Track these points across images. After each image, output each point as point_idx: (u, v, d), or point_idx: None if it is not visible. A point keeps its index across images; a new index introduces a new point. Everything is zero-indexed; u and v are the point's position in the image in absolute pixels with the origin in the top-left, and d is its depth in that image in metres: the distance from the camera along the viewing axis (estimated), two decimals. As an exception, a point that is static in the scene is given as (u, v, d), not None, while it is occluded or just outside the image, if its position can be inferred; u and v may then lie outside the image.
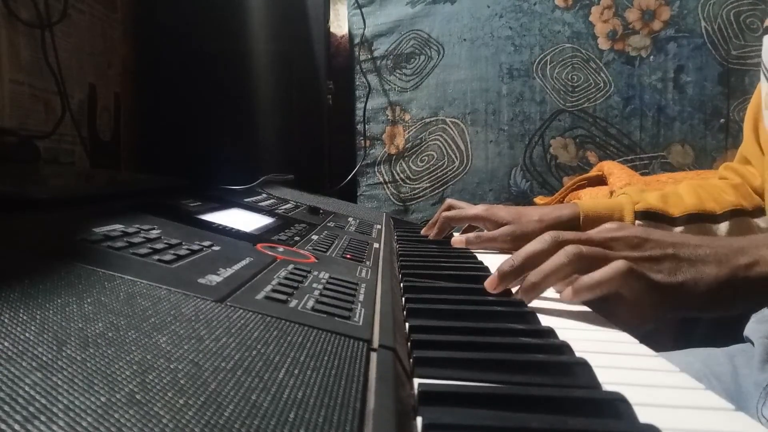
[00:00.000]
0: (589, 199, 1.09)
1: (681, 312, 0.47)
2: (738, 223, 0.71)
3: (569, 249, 0.45)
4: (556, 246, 0.46)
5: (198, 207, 0.59)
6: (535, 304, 0.46)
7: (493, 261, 0.68)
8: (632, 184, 1.10)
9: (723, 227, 0.71)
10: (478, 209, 0.81)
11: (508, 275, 0.47)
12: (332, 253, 0.55)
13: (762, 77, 0.73)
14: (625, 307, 0.44)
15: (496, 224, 0.77)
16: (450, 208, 0.86)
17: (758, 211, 0.72)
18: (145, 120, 1.24)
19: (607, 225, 0.49)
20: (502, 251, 0.78)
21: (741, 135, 0.81)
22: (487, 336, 0.36)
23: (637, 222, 0.72)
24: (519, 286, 0.47)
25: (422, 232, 0.89)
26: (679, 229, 0.71)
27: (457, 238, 0.78)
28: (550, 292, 0.50)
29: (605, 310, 0.45)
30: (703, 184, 0.78)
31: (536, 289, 0.46)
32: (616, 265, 0.43)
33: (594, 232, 0.48)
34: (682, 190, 0.76)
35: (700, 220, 0.71)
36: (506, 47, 1.41)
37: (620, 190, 0.87)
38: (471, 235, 0.77)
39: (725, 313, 0.49)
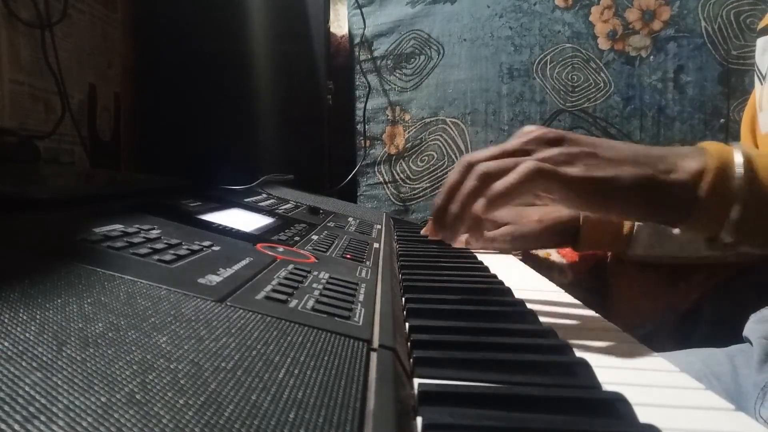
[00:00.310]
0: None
1: (601, 211, 0.45)
2: None
3: (477, 169, 0.43)
4: (466, 171, 0.44)
5: (198, 207, 0.59)
6: (535, 303, 0.46)
7: (493, 261, 0.68)
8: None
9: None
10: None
11: (436, 216, 0.45)
12: (332, 253, 0.55)
13: (756, 80, 0.72)
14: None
15: (496, 224, 0.78)
16: None
17: None
18: (145, 120, 1.24)
19: (525, 128, 0.47)
20: (502, 251, 0.78)
21: (740, 138, 0.81)
22: (487, 336, 0.36)
23: (636, 222, 0.72)
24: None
25: (422, 232, 0.89)
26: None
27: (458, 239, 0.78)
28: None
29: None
30: None
31: (461, 221, 0.44)
32: (524, 166, 0.42)
33: (510, 141, 0.46)
34: None
35: None
36: (506, 47, 1.41)
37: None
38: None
39: (639, 218, 0.48)
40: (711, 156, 0.44)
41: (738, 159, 0.43)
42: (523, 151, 0.44)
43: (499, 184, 0.42)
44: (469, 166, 0.44)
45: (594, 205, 0.44)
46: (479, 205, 0.42)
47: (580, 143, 0.44)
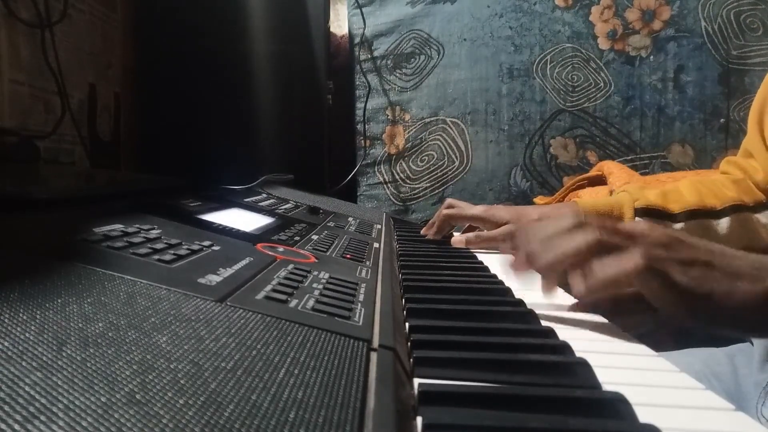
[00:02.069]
0: (589, 198, 1.09)
1: (706, 326, 0.42)
2: (739, 219, 0.71)
3: (590, 234, 0.41)
4: (576, 228, 0.43)
5: (198, 207, 0.59)
6: (535, 302, 0.46)
7: (494, 261, 0.68)
8: (632, 183, 1.09)
9: (723, 222, 0.71)
10: (478, 210, 0.81)
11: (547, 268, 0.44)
12: (332, 253, 0.55)
13: None
14: (642, 315, 0.42)
15: (496, 225, 0.77)
16: (450, 207, 0.86)
17: (759, 206, 0.72)
18: (145, 120, 1.24)
19: (638, 222, 0.45)
20: (502, 251, 0.78)
21: (741, 135, 0.81)
22: (487, 336, 0.36)
23: (636, 219, 0.72)
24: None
25: (422, 231, 0.89)
26: (679, 225, 0.71)
27: (457, 238, 0.78)
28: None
29: (611, 311, 0.45)
30: (703, 180, 0.78)
31: (544, 262, 0.42)
32: (635, 257, 0.39)
33: (621, 224, 0.44)
34: (682, 186, 0.76)
35: (700, 216, 0.71)
36: (506, 47, 1.41)
37: (620, 188, 0.87)
38: (470, 234, 0.77)
39: (755, 336, 0.45)
40: None
41: None
42: (633, 240, 0.42)
43: (609, 268, 0.40)
44: (578, 225, 0.43)
45: (702, 317, 0.41)
46: (579, 289, 0.41)
47: (696, 250, 0.41)
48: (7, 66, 0.81)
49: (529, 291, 0.51)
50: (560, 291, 0.55)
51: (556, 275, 0.44)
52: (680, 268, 0.40)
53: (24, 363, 0.19)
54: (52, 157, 0.92)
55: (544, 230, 0.44)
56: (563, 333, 0.38)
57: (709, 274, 0.40)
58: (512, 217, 0.77)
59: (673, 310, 0.40)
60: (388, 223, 0.95)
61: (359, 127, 1.47)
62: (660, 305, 0.41)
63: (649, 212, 0.72)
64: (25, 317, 0.22)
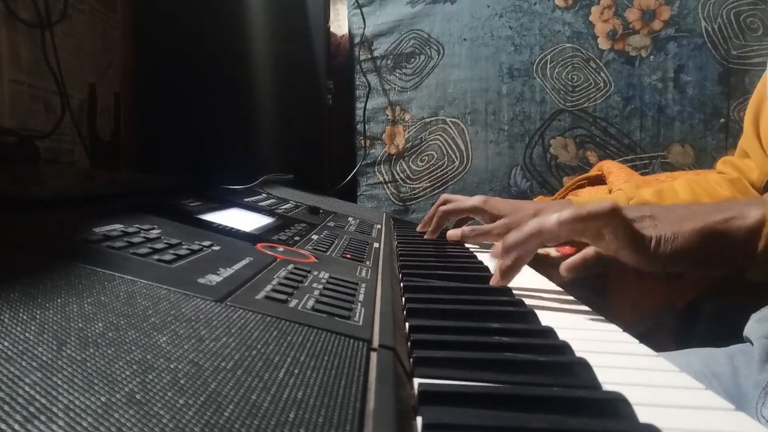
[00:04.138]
0: (587, 196, 1.09)
1: (658, 265, 0.49)
2: None
3: (563, 216, 0.48)
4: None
5: (198, 207, 0.59)
6: (535, 304, 0.46)
7: (493, 261, 0.68)
8: (630, 182, 1.09)
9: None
10: (476, 200, 0.80)
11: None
12: (332, 253, 0.55)
13: None
14: (616, 292, 0.46)
15: (493, 216, 0.77)
16: (446, 202, 0.85)
17: None
18: (145, 120, 1.24)
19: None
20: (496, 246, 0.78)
21: (741, 135, 0.81)
22: (487, 336, 0.36)
23: None
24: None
25: (418, 228, 0.89)
26: None
27: (453, 232, 0.77)
28: (551, 295, 0.50)
29: (601, 305, 0.46)
30: (698, 179, 0.78)
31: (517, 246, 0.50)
32: (604, 203, 0.46)
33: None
34: (677, 185, 0.76)
35: None
36: (506, 47, 1.41)
37: (616, 186, 0.87)
38: (466, 228, 0.76)
39: (700, 269, 0.52)
40: None
41: None
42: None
43: (582, 209, 0.48)
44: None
45: (659, 257, 0.47)
46: (553, 220, 0.49)
47: (639, 209, 0.50)
48: (7, 66, 0.81)
49: (529, 290, 0.51)
50: (559, 289, 0.55)
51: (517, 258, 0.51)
52: (632, 221, 0.48)
53: (24, 363, 0.19)
54: (52, 157, 0.92)
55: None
56: (563, 333, 0.38)
57: (655, 223, 0.48)
58: (509, 210, 0.76)
59: (636, 255, 0.47)
60: (388, 223, 0.95)
61: (359, 127, 1.47)
62: (617, 252, 0.48)
63: None
64: (25, 317, 0.22)
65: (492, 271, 0.61)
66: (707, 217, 0.47)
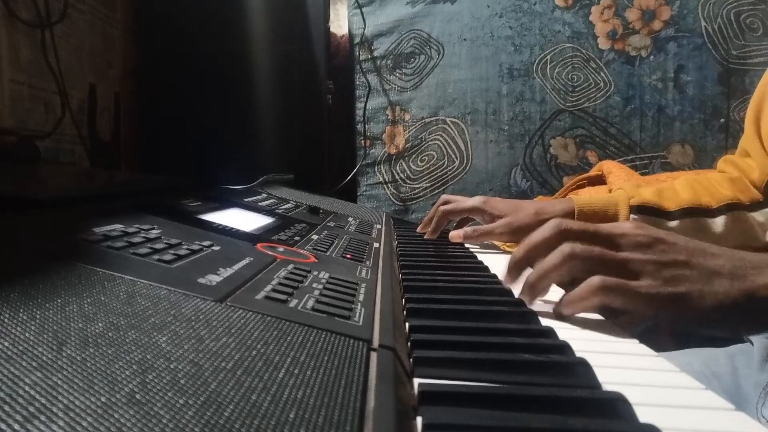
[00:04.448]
0: (586, 195, 1.09)
1: (681, 325, 0.44)
2: (734, 217, 0.71)
3: (565, 248, 0.43)
4: (558, 235, 0.45)
5: (198, 207, 0.59)
6: (535, 304, 0.46)
7: (493, 261, 0.68)
8: (629, 181, 1.09)
9: (719, 221, 0.71)
10: (476, 201, 0.80)
11: (513, 268, 0.47)
12: (332, 253, 0.55)
13: None
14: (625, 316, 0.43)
15: (493, 216, 0.77)
16: (446, 203, 0.85)
17: (755, 205, 0.72)
18: (145, 120, 1.24)
19: (625, 222, 0.47)
20: (502, 243, 0.78)
21: (741, 135, 0.81)
22: (487, 336, 0.36)
23: (632, 217, 0.72)
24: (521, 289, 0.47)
25: (419, 229, 0.89)
26: (674, 223, 0.71)
27: (455, 233, 0.77)
28: (551, 295, 0.50)
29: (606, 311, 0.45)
30: (699, 178, 0.78)
31: (534, 290, 0.45)
32: (590, 282, 0.41)
33: (604, 225, 0.45)
34: (677, 184, 0.76)
35: (695, 214, 0.71)
36: (506, 47, 1.41)
37: (617, 185, 0.87)
38: (468, 229, 0.76)
39: (728, 334, 0.46)
40: None
41: None
42: (612, 243, 0.43)
43: (574, 293, 0.42)
44: (560, 233, 0.45)
45: (676, 316, 0.41)
46: (557, 311, 0.44)
47: (675, 249, 0.42)
48: (7, 66, 0.81)
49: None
50: (560, 291, 0.55)
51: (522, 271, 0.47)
52: (654, 270, 0.41)
53: (24, 363, 0.19)
54: (52, 157, 0.92)
55: (529, 241, 0.47)
56: (563, 333, 0.38)
57: (685, 273, 0.41)
58: (509, 210, 0.77)
59: (648, 314, 0.41)
60: (388, 223, 0.95)
61: (359, 127, 1.47)
62: (636, 312, 0.41)
63: (644, 210, 0.72)
64: (25, 317, 0.22)
65: (492, 272, 0.61)
66: (744, 277, 0.40)
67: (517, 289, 0.48)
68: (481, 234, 0.75)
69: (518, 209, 0.76)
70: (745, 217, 0.71)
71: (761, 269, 0.41)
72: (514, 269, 0.47)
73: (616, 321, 0.44)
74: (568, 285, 0.52)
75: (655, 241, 0.43)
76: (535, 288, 0.45)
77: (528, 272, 0.47)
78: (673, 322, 0.42)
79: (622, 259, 0.42)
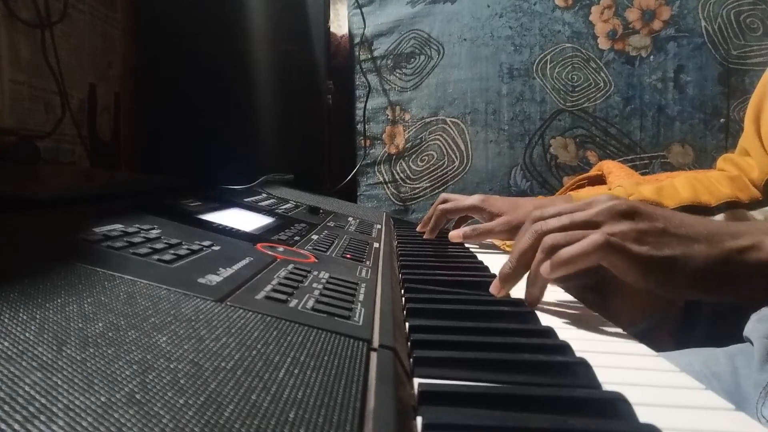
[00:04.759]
0: (586, 194, 1.09)
1: (667, 291, 0.44)
2: (733, 215, 0.71)
3: (546, 241, 0.44)
4: (539, 237, 0.45)
5: (198, 207, 0.59)
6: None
7: (493, 261, 0.68)
8: (629, 180, 1.09)
9: (718, 219, 0.71)
10: (475, 199, 0.81)
11: (508, 279, 0.47)
12: (332, 253, 0.55)
13: None
14: (615, 291, 0.43)
15: (492, 215, 0.77)
16: (445, 201, 0.85)
17: (754, 204, 0.72)
18: (146, 120, 1.24)
19: (598, 197, 0.46)
20: (501, 240, 0.78)
21: (741, 135, 0.81)
22: (487, 336, 0.36)
23: None
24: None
25: (418, 228, 0.89)
26: None
27: (454, 233, 0.77)
28: (551, 295, 0.50)
29: (600, 304, 0.45)
30: (698, 176, 0.78)
31: (536, 292, 0.45)
32: (593, 238, 0.41)
33: (577, 207, 0.46)
34: (677, 182, 0.76)
35: (694, 212, 0.71)
36: (506, 47, 1.41)
37: (616, 184, 0.87)
38: (467, 228, 0.76)
39: (712, 298, 0.47)
40: None
41: None
42: (593, 223, 0.44)
43: (566, 252, 0.42)
44: (540, 236, 0.45)
45: (660, 283, 0.42)
46: (545, 268, 0.43)
47: (652, 218, 0.43)
48: (7, 66, 0.81)
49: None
50: (560, 291, 0.55)
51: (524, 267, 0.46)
52: (638, 236, 0.42)
53: (24, 363, 0.19)
54: (52, 157, 0.92)
55: (516, 252, 0.47)
56: (563, 333, 0.38)
57: (665, 240, 0.42)
58: (508, 208, 0.77)
59: (637, 279, 0.42)
60: (388, 223, 0.95)
61: (359, 127, 1.47)
62: (624, 277, 0.42)
63: None
64: (25, 317, 0.22)
65: (492, 272, 0.61)
66: (721, 242, 0.42)
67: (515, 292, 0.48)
68: (480, 233, 0.75)
69: (517, 207, 0.76)
70: (745, 215, 0.71)
71: (737, 235, 0.43)
72: (509, 280, 0.47)
73: (613, 313, 0.44)
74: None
75: (633, 211, 0.44)
76: (537, 289, 0.45)
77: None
78: (659, 287, 0.43)
79: (607, 230, 0.42)
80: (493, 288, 0.47)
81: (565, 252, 0.42)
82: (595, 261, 0.41)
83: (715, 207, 0.71)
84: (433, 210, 0.84)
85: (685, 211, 0.71)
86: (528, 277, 0.46)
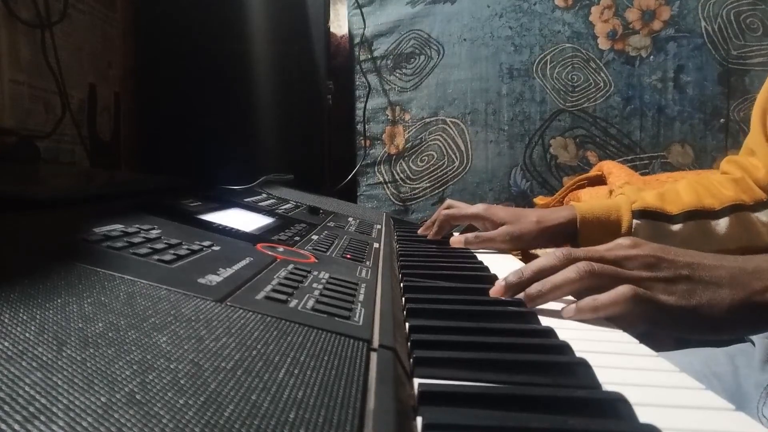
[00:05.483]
0: (587, 200, 1.09)
1: (695, 335, 0.45)
2: (738, 218, 0.71)
3: (581, 265, 0.44)
4: (568, 262, 0.46)
5: (198, 207, 0.59)
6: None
7: (493, 261, 0.68)
8: (631, 183, 1.09)
9: (723, 222, 0.71)
10: (477, 208, 0.81)
11: (514, 286, 0.47)
12: (332, 253, 0.55)
13: None
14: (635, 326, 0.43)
15: (495, 224, 0.78)
16: (449, 207, 0.86)
17: (759, 205, 0.71)
18: (145, 120, 1.24)
19: (621, 241, 0.47)
20: (501, 251, 0.78)
21: (741, 135, 0.81)
22: (487, 336, 0.36)
23: (635, 221, 0.72)
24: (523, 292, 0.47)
25: (420, 231, 0.89)
26: (677, 226, 0.71)
27: (456, 238, 0.79)
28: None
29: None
30: (701, 180, 0.77)
31: (540, 297, 0.45)
32: (622, 290, 0.42)
33: (606, 249, 0.47)
34: (680, 187, 0.76)
35: (698, 216, 0.71)
36: (506, 47, 1.41)
37: (618, 189, 0.87)
38: (470, 235, 0.77)
39: (732, 337, 0.48)
40: None
41: None
42: (620, 266, 0.45)
43: (599, 299, 0.43)
44: (570, 260, 0.45)
45: (688, 329, 0.44)
46: (569, 310, 0.44)
47: (676, 266, 0.44)
48: (7, 66, 0.81)
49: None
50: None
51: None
52: (664, 287, 0.43)
53: (24, 363, 0.19)
54: (52, 157, 0.92)
55: (536, 265, 0.47)
56: (563, 333, 0.38)
57: (691, 288, 0.43)
58: (511, 218, 0.77)
59: (665, 327, 0.44)
60: (388, 223, 0.95)
61: (359, 127, 1.47)
62: (652, 326, 0.43)
63: (647, 214, 0.72)
64: (25, 317, 0.22)
65: (492, 272, 0.61)
66: (745, 284, 0.43)
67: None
68: (482, 241, 0.77)
69: (519, 217, 0.77)
70: (749, 217, 0.71)
71: (757, 274, 0.44)
72: (515, 287, 0.47)
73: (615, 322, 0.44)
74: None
75: (658, 260, 0.45)
76: (543, 296, 0.45)
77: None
78: (685, 333, 0.44)
79: (636, 277, 0.44)
80: (495, 291, 0.47)
81: (592, 300, 0.43)
82: (622, 312, 0.42)
83: (719, 210, 0.71)
84: (438, 215, 0.85)
85: (689, 216, 0.71)
86: (541, 293, 0.45)
